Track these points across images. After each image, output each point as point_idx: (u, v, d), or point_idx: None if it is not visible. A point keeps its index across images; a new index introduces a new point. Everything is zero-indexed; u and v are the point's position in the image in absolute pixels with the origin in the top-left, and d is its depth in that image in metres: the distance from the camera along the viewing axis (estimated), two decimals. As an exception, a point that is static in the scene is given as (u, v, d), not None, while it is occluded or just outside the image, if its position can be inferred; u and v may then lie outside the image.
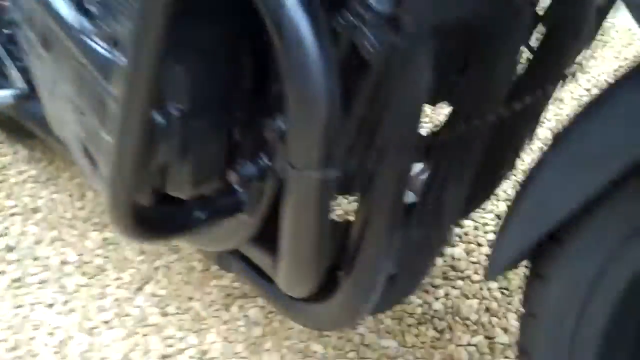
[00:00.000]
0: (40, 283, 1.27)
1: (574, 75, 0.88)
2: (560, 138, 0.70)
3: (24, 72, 1.24)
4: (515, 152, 0.97)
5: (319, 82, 0.69)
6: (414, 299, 1.24)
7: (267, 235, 0.88)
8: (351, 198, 1.30)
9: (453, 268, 1.31)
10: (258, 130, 0.83)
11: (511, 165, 0.98)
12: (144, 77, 0.75)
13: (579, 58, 0.90)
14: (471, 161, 0.86)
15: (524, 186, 0.73)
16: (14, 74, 1.25)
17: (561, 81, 0.89)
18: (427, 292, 1.26)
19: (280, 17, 0.68)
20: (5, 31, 1.29)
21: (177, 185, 0.88)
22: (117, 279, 1.29)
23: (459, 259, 1.33)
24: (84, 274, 1.29)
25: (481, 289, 1.28)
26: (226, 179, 0.87)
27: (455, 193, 0.87)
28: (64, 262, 1.31)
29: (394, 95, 0.72)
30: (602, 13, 0.89)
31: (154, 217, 0.86)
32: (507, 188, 1.43)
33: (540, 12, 0.85)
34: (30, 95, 1.22)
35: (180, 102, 0.83)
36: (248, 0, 0.71)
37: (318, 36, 0.68)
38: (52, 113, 1.08)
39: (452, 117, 0.85)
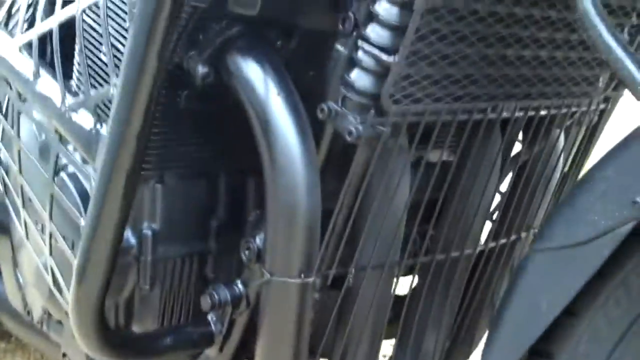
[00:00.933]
0: None
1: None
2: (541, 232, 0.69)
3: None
4: (492, 304, 0.95)
5: (301, 179, 0.70)
6: None
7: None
8: None
9: None
10: (231, 254, 0.82)
11: (487, 315, 0.96)
12: (120, 188, 0.73)
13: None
14: (450, 293, 0.85)
15: (508, 291, 0.71)
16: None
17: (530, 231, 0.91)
18: None
19: (263, 109, 0.71)
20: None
21: (143, 315, 0.85)
22: None
23: None
24: None
25: None
26: (197, 306, 0.84)
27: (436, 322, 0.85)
28: None
29: (375, 194, 0.73)
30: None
31: (121, 338, 0.81)
32: None
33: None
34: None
35: (154, 222, 0.82)
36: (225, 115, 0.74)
37: (301, 129, 0.70)
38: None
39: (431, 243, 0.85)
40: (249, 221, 0.85)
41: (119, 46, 0.71)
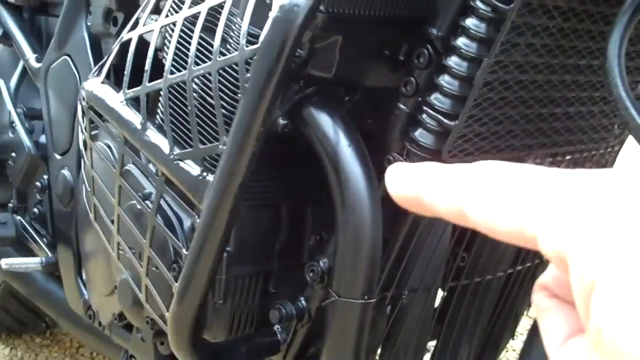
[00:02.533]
0: None
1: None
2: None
3: (49, 244, 1.35)
4: (515, 318, 1.09)
5: (367, 213, 0.82)
6: None
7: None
8: None
9: None
10: (291, 273, 0.95)
11: (512, 332, 1.10)
12: (222, 225, 0.84)
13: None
14: (480, 315, 0.98)
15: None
16: (42, 245, 1.35)
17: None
18: None
19: (337, 158, 0.82)
20: (35, 210, 1.40)
21: (214, 325, 0.97)
22: None
23: None
24: None
25: None
26: (260, 318, 0.97)
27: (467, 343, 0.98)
28: None
29: (427, 226, 0.86)
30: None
31: (210, 348, 0.94)
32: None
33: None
34: (56, 264, 1.32)
35: (228, 245, 0.94)
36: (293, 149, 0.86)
37: (368, 175, 0.82)
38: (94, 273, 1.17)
39: (467, 267, 0.98)
40: (308, 245, 0.97)
41: (227, 108, 0.83)
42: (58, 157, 1.33)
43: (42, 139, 1.41)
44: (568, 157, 0.94)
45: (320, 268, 0.90)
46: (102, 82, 0.97)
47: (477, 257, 0.97)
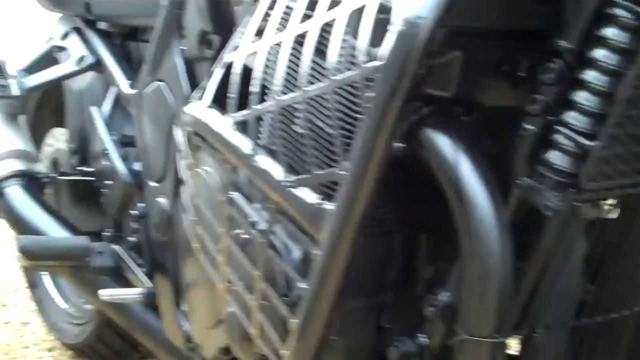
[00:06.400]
0: None
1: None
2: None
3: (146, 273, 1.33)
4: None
5: (496, 243, 0.75)
6: None
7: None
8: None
9: None
10: (406, 306, 0.89)
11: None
12: (343, 257, 0.80)
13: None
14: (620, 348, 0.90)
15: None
16: (139, 275, 1.32)
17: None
18: None
19: (460, 183, 0.76)
20: (130, 239, 1.37)
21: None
22: None
23: None
24: None
25: None
26: (373, 352, 0.91)
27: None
28: None
29: (561, 263, 0.79)
30: None
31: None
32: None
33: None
34: (155, 295, 1.29)
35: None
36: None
37: (495, 201, 0.76)
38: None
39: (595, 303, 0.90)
40: (423, 276, 0.91)
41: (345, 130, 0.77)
42: (153, 184, 1.30)
43: (137, 166, 1.38)
44: None
45: (442, 302, 0.83)
46: (207, 107, 0.93)
47: (609, 290, 0.89)
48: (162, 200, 1.27)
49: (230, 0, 1.10)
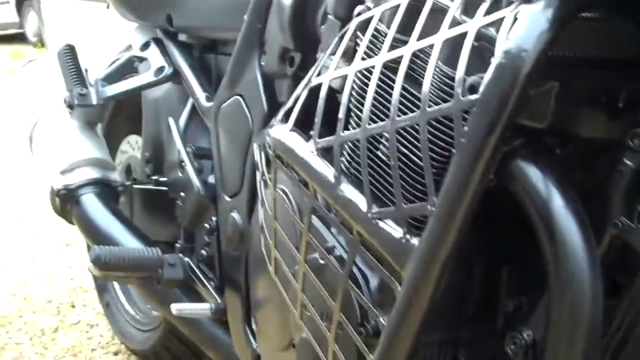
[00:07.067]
0: None
1: None
2: None
3: (217, 287, 1.32)
4: None
5: (587, 285, 0.71)
6: None
7: None
8: None
9: None
10: (483, 341, 0.86)
11: None
12: (427, 294, 0.77)
13: None
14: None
15: None
16: (209, 289, 1.31)
17: None
18: None
19: (551, 219, 0.72)
20: (202, 252, 1.37)
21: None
22: None
23: None
24: None
25: None
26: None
27: None
28: None
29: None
30: None
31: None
32: None
33: None
34: (225, 310, 1.28)
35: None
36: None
37: (588, 241, 0.72)
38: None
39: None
40: (504, 312, 0.88)
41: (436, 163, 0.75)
42: (227, 198, 1.29)
43: (211, 179, 1.38)
44: None
45: (524, 340, 0.80)
46: (291, 130, 0.91)
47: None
48: (236, 215, 1.26)
49: (315, 18, 1.08)
